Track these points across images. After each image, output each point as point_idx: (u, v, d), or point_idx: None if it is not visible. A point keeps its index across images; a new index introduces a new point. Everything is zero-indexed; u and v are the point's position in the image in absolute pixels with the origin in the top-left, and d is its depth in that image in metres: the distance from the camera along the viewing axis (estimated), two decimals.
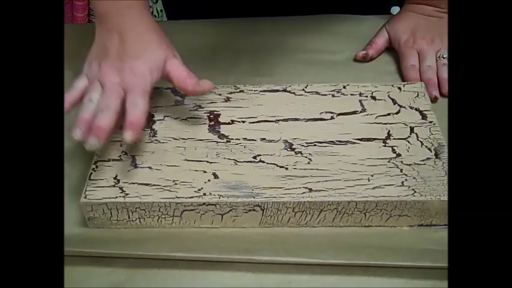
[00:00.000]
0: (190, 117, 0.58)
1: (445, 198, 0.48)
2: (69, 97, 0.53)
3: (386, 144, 0.54)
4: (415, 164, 0.51)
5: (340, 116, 0.57)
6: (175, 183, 0.50)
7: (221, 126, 0.56)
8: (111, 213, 0.50)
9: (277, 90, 0.60)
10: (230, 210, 0.50)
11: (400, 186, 0.50)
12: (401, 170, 0.51)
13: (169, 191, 0.50)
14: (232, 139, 0.55)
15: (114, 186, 0.51)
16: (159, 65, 0.54)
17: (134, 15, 0.55)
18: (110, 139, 0.52)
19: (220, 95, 0.60)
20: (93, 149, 0.50)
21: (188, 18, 0.79)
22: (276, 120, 0.57)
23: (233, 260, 0.48)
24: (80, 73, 0.54)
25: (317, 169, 0.51)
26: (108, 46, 0.54)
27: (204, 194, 0.49)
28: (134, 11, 0.55)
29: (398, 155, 0.53)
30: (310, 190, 0.49)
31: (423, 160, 0.52)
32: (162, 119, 0.57)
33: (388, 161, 0.52)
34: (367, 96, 0.59)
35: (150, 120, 0.57)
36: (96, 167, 0.52)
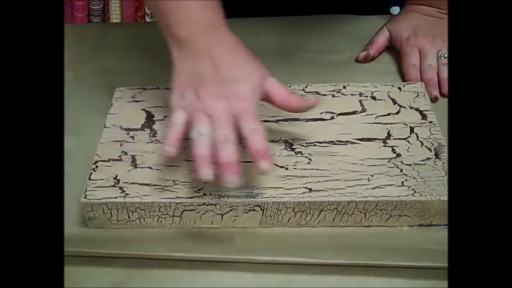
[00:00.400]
0: None
1: (445, 198, 0.48)
2: (175, 134, 0.49)
3: (386, 144, 0.54)
4: (415, 164, 0.51)
5: (340, 116, 0.57)
6: (175, 183, 0.50)
7: None
8: (111, 213, 0.50)
9: None
10: (230, 210, 0.50)
11: (400, 186, 0.50)
12: (401, 170, 0.51)
13: (170, 191, 0.50)
14: None
15: (114, 186, 0.51)
16: (258, 85, 0.50)
17: (221, 36, 0.51)
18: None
19: None
20: (234, 186, 0.46)
21: None
22: (276, 120, 0.57)
23: (233, 260, 0.48)
24: (173, 107, 0.50)
25: (317, 169, 0.51)
26: (200, 72, 0.49)
27: (204, 194, 0.49)
28: (219, 32, 0.51)
29: (399, 155, 0.53)
30: (310, 190, 0.49)
31: (423, 160, 0.52)
32: (162, 119, 0.57)
33: (388, 161, 0.52)
34: (367, 96, 0.59)
35: (150, 120, 0.57)
36: (96, 167, 0.52)
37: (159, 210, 0.50)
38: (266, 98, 0.51)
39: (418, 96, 0.59)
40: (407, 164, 0.51)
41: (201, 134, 0.47)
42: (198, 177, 0.46)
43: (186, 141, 0.55)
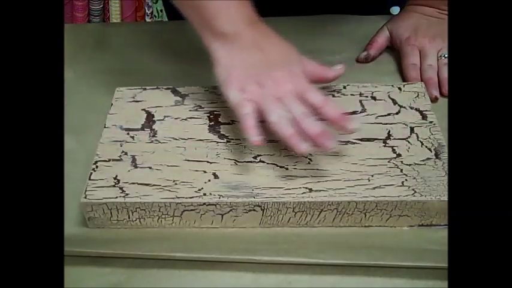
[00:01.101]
0: (190, 117, 0.58)
1: (445, 198, 0.48)
2: (252, 123, 0.50)
3: (387, 145, 0.54)
4: (415, 164, 0.51)
5: None
6: (176, 183, 0.50)
7: (221, 126, 0.56)
8: (111, 213, 0.50)
9: None
10: (230, 210, 0.50)
11: (400, 186, 0.50)
12: (401, 170, 0.51)
13: (170, 191, 0.50)
14: (233, 139, 0.55)
15: (114, 186, 0.51)
16: (300, 64, 0.54)
17: (262, 29, 0.54)
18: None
19: (220, 95, 0.60)
20: (332, 150, 0.50)
21: None
22: None
23: (233, 260, 0.48)
24: (235, 102, 0.52)
25: (317, 169, 0.51)
26: (254, 63, 0.52)
27: (204, 194, 0.49)
28: (259, 25, 0.54)
29: (399, 155, 0.52)
30: (310, 190, 0.49)
31: (423, 160, 0.52)
32: (162, 119, 0.57)
33: (388, 161, 0.52)
34: (367, 96, 0.59)
35: (150, 120, 0.57)
36: (96, 167, 0.52)
37: (159, 210, 0.50)
38: (309, 76, 0.54)
39: (418, 96, 0.59)
40: (407, 164, 0.51)
41: (280, 116, 0.50)
42: (297, 153, 0.50)
43: (184, 140, 0.55)
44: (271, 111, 0.50)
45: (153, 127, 0.57)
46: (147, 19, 1.55)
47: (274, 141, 0.54)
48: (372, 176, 0.50)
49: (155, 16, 1.55)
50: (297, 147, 0.49)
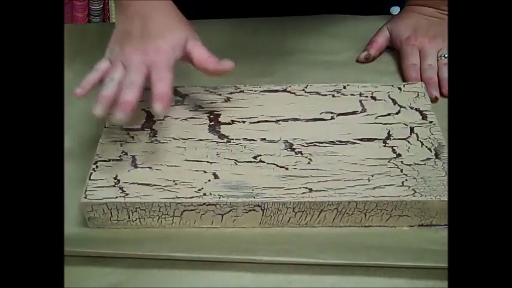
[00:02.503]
0: (190, 117, 0.58)
1: (445, 198, 0.48)
2: (90, 78, 0.53)
3: (387, 145, 0.54)
4: (415, 164, 0.51)
5: (340, 116, 0.57)
6: (176, 183, 0.50)
7: (221, 126, 0.56)
8: (111, 213, 0.50)
9: (277, 90, 0.60)
10: (230, 211, 0.50)
11: (400, 186, 0.50)
12: (401, 170, 0.51)
13: (170, 191, 0.50)
14: (233, 139, 0.55)
15: (114, 186, 0.51)
16: (181, 44, 0.54)
17: (155, 2, 0.55)
18: (134, 113, 0.51)
19: (220, 95, 0.60)
20: (120, 123, 0.51)
21: (187, 18, 0.79)
22: (276, 120, 0.57)
23: (233, 260, 0.48)
24: (103, 58, 0.55)
25: (317, 169, 0.51)
26: (130, 30, 0.54)
27: (204, 194, 0.49)
28: None
29: (399, 155, 0.52)
30: (310, 190, 0.49)
31: (423, 160, 0.52)
32: (162, 119, 0.57)
33: (388, 161, 0.52)
34: (367, 97, 0.59)
35: (150, 120, 0.57)
36: (96, 167, 0.52)
37: (159, 210, 0.50)
38: (187, 58, 0.55)
39: (418, 96, 0.59)
40: (407, 164, 0.51)
41: (112, 79, 0.52)
42: (91, 113, 0.50)
43: (184, 140, 0.55)
44: (110, 74, 0.53)
45: (153, 127, 0.57)
46: None
47: (273, 141, 0.54)
48: (372, 176, 0.50)
49: None
50: (95, 106, 0.50)
